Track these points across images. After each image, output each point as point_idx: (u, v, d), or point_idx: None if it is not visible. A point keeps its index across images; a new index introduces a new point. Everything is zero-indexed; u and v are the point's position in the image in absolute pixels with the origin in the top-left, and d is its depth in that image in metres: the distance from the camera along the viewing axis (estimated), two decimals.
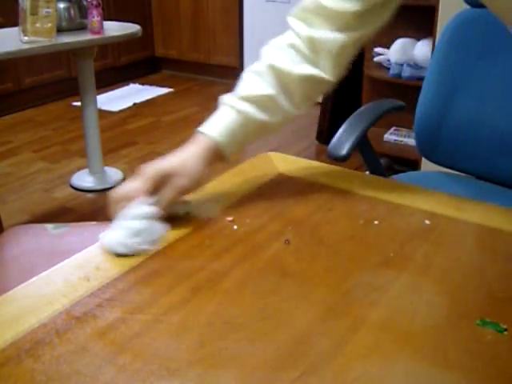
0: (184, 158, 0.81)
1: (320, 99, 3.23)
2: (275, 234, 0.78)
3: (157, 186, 0.78)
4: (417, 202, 0.87)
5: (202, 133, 0.83)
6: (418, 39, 2.74)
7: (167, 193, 0.78)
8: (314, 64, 0.86)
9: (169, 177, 0.78)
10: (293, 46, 0.86)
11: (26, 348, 0.56)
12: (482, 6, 1.30)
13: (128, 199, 0.76)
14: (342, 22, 0.84)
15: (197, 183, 0.81)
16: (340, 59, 0.87)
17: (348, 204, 0.87)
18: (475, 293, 0.66)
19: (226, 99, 0.85)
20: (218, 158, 0.83)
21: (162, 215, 0.77)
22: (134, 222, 0.74)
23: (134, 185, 0.77)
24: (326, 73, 0.87)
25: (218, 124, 0.83)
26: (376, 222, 0.81)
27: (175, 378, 0.53)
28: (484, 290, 0.66)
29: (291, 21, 0.89)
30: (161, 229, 0.76)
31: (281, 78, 0.85)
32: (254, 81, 0.86)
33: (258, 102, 0.84)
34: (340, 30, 0.85)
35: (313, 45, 0.85)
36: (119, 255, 0.72)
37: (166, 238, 0.76)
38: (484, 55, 1.30)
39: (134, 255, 0.72)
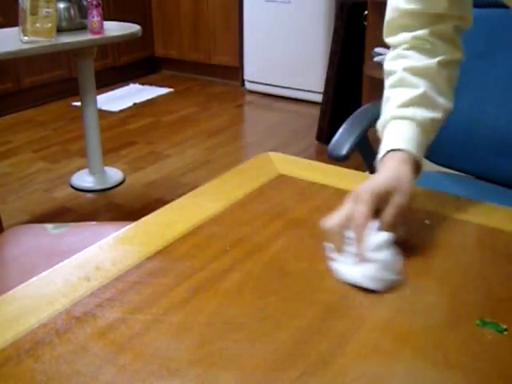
0: (394, 175, 0.75)
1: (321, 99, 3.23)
2: (275, 233, 0.78)
3: (375, 209, 0.71)
4: (417, 202, 0.87)
5: (392, 151, 0.79)
6: None
7: (391, 213, 0.71)
8: (436, 54, 0.87)
9: (387, 197, 0.72)
10: (410, 49, 0.88)
11: (25, 348, 0.56)
12: (482, 6, 1.30)
13: (352, 226, 0.69)
14: (432, 17, 0.87)
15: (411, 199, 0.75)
16: (455, 39, 0.90)
17: None
18: (475, 293, 0.66)
19: (392, 114, 0.84)
20: (415, 170, 0.79)
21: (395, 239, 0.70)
22: (381, 253, 0.67)
23: (355, 210, 0.70)
24: (453, 55, 0.89)
25: (404, 138, 0.80)
26: None
27: (175, 378, 0.53)
28: (484, 290, 0.66)
29: (388, 39, 0.92)
30: (398, 254, 0.69)
31: (422, 74, 0.85)
32: (401, 89, 0.85)
33: (418, 102, 0.83)
34: (435, 22, 0.87)
35: (422, 42, 0.87)
36: (368, 290, 0.65)
37: (166, 238, 0.76)
38: (484, 55, 1.30)
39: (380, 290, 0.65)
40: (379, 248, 0.68)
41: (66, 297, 0.64)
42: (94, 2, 2.29)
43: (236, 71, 4.38)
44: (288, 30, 3.86)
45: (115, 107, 3.87)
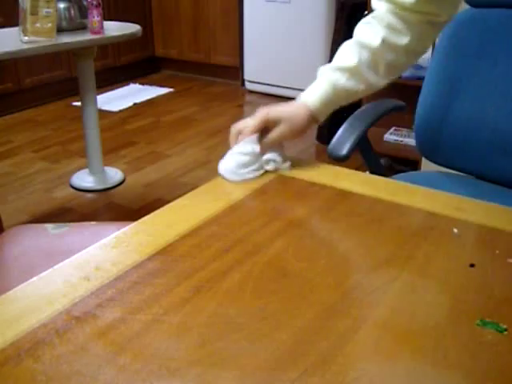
0: (292, 111, 0.97)
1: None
2: (275, 233, 0.78)
3: (265, 127, 0.95)
4: (417, 202, 0.87)
5: (302, 100, 0.99)
6: None
7: (272, 135, 0.95)
8: (393, 30, 0.98)
9: (277, 122, 0.95)
10: (375, 17, 1.00)
11: (25, 348, 0.56)
12: (481, 6, 1.30)
13: (241, 133, 0.95)
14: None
15: (295, 135, 0.97)
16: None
17: (348, 204, 0.87)
18: (475, 293, 0.66)
19: (323, 70, 1.02)
20: (314, 120, 0.99)
21: (262, 153, 0.95)
22: (242, 157, 0.93)
23: (249, 122, 0.95)
24: (405, 37, 0.99)
25: (315, 93, 0.99)
26: (376, 222, 0.81)
27: (175, 378, 0.53)
28: (484, 290, 0.66)
29: (375, 3, 1.03)
30: (261, 162, 0.95)
31: (366, 49, 0.98)
32: (345, 53, 1.00)
33: (347, 72, 0.98)
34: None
35: (392, 15, 0.99)
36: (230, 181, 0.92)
37: (166, 238, 0.76)
38: (484, 55, 1.30)
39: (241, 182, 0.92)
40: (244, 153, 0.93)
41: (65, 297, 0.64)
42: (94, 2, 2.29)
43: (236, 71, 4.38)
44: (288, 29, 3.86)
45: (115, 107, 3.87)
